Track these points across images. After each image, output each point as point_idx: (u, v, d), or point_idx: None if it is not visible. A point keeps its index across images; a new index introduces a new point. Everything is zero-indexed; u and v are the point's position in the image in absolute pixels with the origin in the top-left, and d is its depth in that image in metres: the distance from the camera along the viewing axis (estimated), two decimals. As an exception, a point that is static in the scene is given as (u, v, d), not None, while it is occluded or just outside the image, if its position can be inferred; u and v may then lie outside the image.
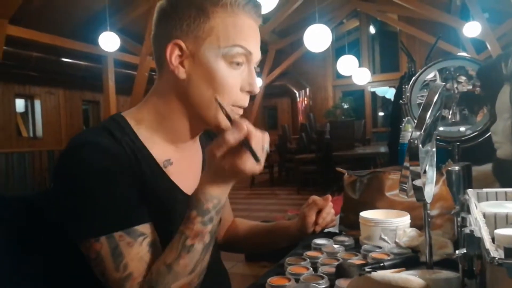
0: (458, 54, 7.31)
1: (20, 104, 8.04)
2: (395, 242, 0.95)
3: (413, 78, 1.57)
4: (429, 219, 0.73)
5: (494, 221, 0.65)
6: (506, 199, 0.82)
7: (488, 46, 7.23)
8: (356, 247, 0.98)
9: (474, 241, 0.54)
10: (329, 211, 1.02)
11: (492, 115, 1.29)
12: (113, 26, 6.17)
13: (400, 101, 1.73)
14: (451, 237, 0.93)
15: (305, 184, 7.24)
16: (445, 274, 0.66)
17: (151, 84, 0.84)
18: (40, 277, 0.78)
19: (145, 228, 0.70)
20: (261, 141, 0.64)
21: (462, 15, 8.09)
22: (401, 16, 9.76)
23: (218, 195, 0.68)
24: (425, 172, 0.70)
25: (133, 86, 6.84)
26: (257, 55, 0.78)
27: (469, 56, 4.48)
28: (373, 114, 11.34)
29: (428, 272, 0.69)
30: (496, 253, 0.47)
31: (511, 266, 0.44)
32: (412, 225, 0.99)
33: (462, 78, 1.51)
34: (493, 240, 0.54)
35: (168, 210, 0.76)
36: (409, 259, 0.83)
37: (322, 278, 0.75)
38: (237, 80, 0.75)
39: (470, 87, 1.49)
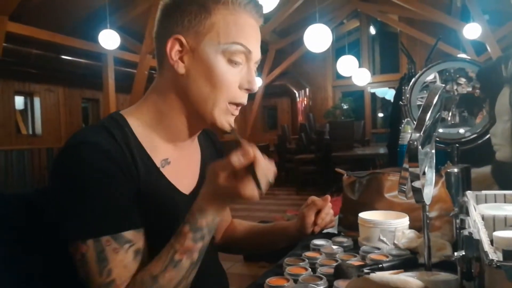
0: (458, 55, 7.33)
1: (19, 102, 8.01)
2: (394, 244, 0.95)
3: (413, 80, 1.57)
4: (428, 221, 0.73)
5: (492, 223, 0.65)
6: (505, 202, 0.82)
7: (488, 48, 7.23)
8: (354, 248, 0.98)
9: (473, 243, 0.54)
10: (328, 211, 1.03)
11: (492, 117, 1.29)
12: (113, 24, 6.16)
13: (400, 102, 1.74)
14: (449, 239, 0.93)
15: (304, 184, 7.24)
16: (444, 276, 0.66)
17: (151, 82, 0.84)
18: (40, 276, 0.78)
19: (133, 235, 0.69)
20: (266, 170, 0.64)
21: (463, 16, 8.08)
22: (401, 17, 9.75)
23: (213, 213, 0.68)
24: (424, 173, 0.70)
25: (133, 84, 6.83)
26: (257, 54, 0.78)
27: (469, 58, 4.47)
28: (372, 115, 11.33)
29: (427, 273, 0.69)
30: (495, 256, 0.48)
31: (510, 268, 0.44)
32: (411, 226, 0.99)
33: (462, 80, 1.51)
34: (491, 242, 0.54)
35: (165, 210, 0.76)
36: (407, 260, 0.83)
37: (321, 279, 0.75)
38: (236, 77, 0.76)
39: (470, 89, 1.49)
